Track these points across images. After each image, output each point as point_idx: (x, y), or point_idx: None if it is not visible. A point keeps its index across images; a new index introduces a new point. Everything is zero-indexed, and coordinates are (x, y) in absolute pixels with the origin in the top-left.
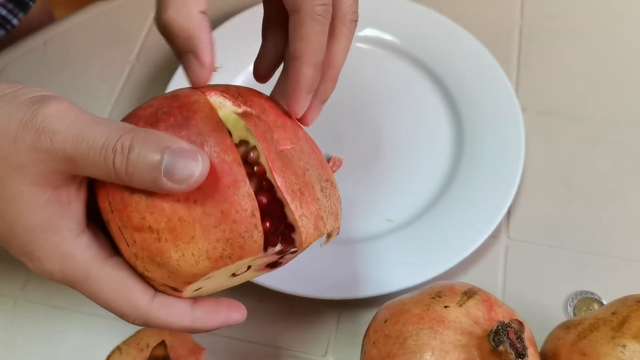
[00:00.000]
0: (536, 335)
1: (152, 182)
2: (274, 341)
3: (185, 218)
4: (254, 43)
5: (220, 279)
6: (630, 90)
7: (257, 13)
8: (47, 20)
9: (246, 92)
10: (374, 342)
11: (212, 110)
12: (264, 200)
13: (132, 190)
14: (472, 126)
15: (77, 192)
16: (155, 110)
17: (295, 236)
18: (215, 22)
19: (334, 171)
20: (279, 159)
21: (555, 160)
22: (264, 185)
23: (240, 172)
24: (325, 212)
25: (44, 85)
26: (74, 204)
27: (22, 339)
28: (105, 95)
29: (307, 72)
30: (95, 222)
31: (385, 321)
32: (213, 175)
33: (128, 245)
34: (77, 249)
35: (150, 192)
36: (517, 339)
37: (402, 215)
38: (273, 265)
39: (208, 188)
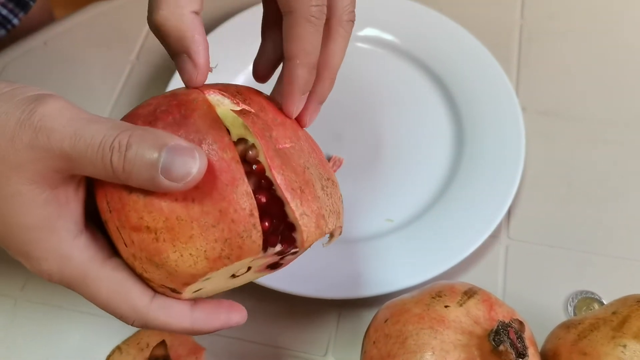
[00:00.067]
0: (536, 335)
1: (150, 180)
2: (274, 341)
3: (183, 217)
4: (254, 43)
5: (220, 280)
6: (630, 90)
7: (257, 13)
8: (48, 20)
9: (245, 90)
10: (374, 342)
11: (211, 108)
12: (263, 199)
13: (130, 189)
14: (472, 126)
15: (75, 192)
16: (153, 108)
17: (296, 235)
18: (215, 22)
19: (334, 171)
20: (277, 156)
21: (555, 160)
22: (263, 184)
23: (239, 170)
24: (326, 210)
25: (44, 85)
26: (73, 204)
27: (22, 339)
28: (105, 95)
29: (301, 73)
30: (95, 223)
31: (386, 321)
32: (211, 174)
33: (126, 246)
34: (75, 249)
35: (148, 191)
36: (517, 338)
37: (402, 215)
38: (274, 266)
39: (206, 186)
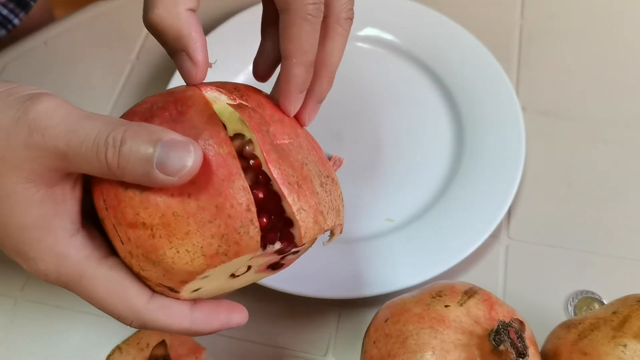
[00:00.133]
0: (537, 334)
1: (145, 175)
2: (274, 341)
3: (179, 213)
4: (254, 43)
5: (219, 280)
6: (630, 90)
7: (257, 13)
8: (48, 20)
9: (243, 88)
10: (374, 342)
11: (207, 104)
12: (261, 194)
13: (127, 186)
14: (472, 126)
15: (72, 190)
16: (150, 106)
17: (294, 231)
18: (215, 22)
19: (334, 170)
20: (274, 151)
21: (555, 160)
22: (260, 180)
23: (235, 165)
24: (325, 207)
25: (44, 85)
26: (69, 203)
27: (22, 339)
28: (105, 95)
29: (297, 72)
30: (93, 223)
31: (386, 320)
32: (207, 169)
33: (123, 243)
34: (71, 248)
35: (144, 187)
36: (517, 338)
37: (402, 214)
38: (275, 266)
39: (202, 182)
